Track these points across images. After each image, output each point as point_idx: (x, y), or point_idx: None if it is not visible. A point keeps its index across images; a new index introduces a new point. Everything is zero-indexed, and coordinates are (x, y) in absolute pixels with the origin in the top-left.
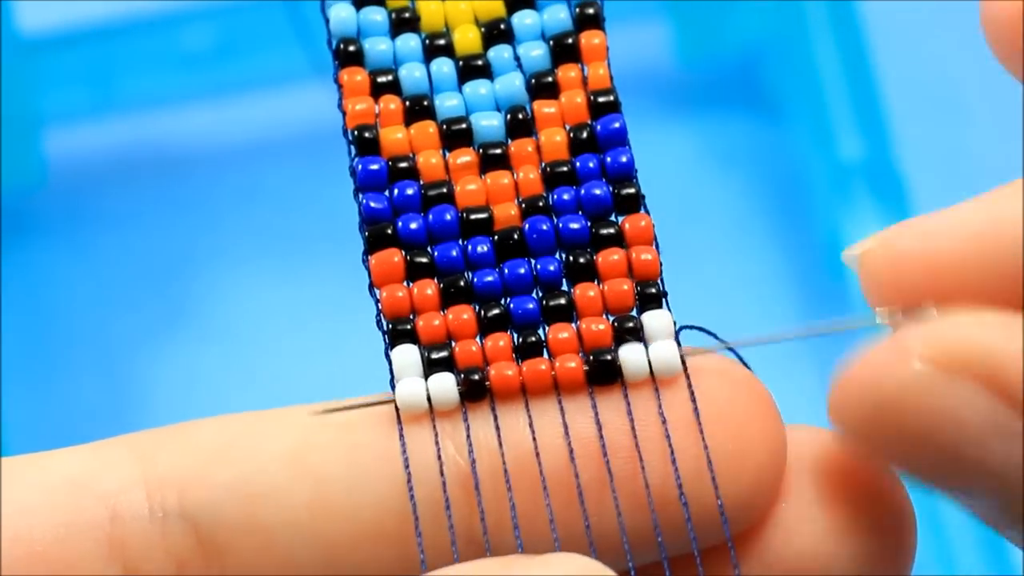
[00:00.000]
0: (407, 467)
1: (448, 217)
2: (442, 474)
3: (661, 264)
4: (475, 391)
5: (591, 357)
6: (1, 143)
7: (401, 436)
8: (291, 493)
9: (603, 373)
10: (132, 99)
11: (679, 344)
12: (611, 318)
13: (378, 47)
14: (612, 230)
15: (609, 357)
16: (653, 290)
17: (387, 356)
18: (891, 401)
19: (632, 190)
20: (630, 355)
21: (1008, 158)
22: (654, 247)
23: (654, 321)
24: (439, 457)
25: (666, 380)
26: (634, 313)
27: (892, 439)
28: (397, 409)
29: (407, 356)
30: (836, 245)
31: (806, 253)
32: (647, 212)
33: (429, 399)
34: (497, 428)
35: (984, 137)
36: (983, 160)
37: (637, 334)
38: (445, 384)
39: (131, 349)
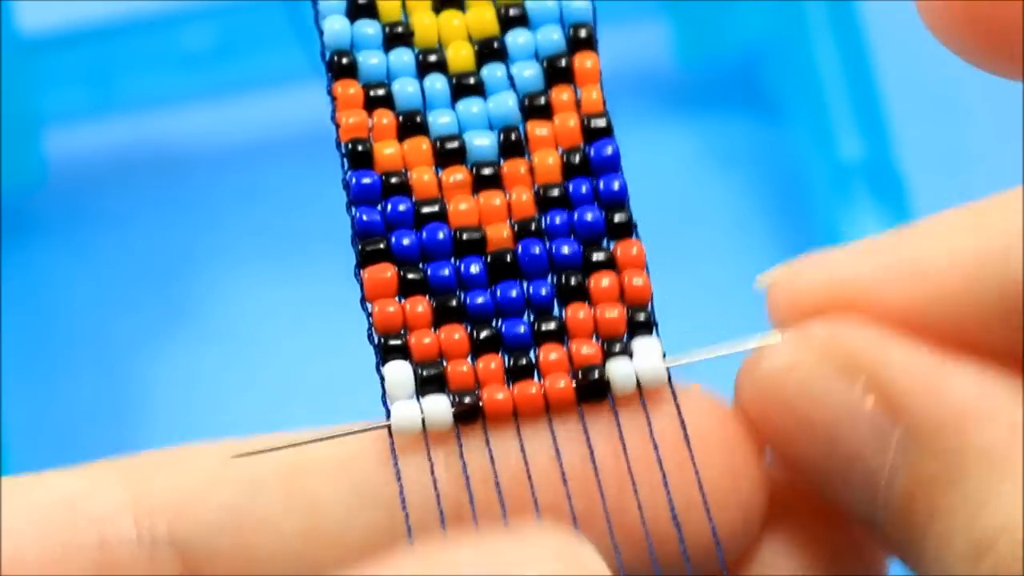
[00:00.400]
0: (401, 494)
1: (440, 236)
2: (436, 489)
3: (652, 293)
4: (468, 414)
5: (580, 375)
6: (1, 143)
7: (395, 461)
8: (284, 521)
9: (592, 390)
10: (132, 99)
11: (670, 376)
12: (601, 341)
13: (371, 60)
14: (604, 255)
15: (597, 374)
16: (642, 316)
17: (378, 371)
18: (778, 383)
19: (624, 217)
20: (617, 368)
21: (1008, 158)
22: (645, 273)
23: (643, 347)
24: (433, 477)
25: (655, 413)
26: (624, 339)
27: (781, 422)
28: (391, 434)
29: (399, 373)
30: (836, 245)
31: (806, 253)
32: (639, 239)
33: (423, 422)
34: (491, 456)
35: (984, 137)
36: (983, 160)
37: (626, 356)
38: (440, 407)
39: (131, 349)
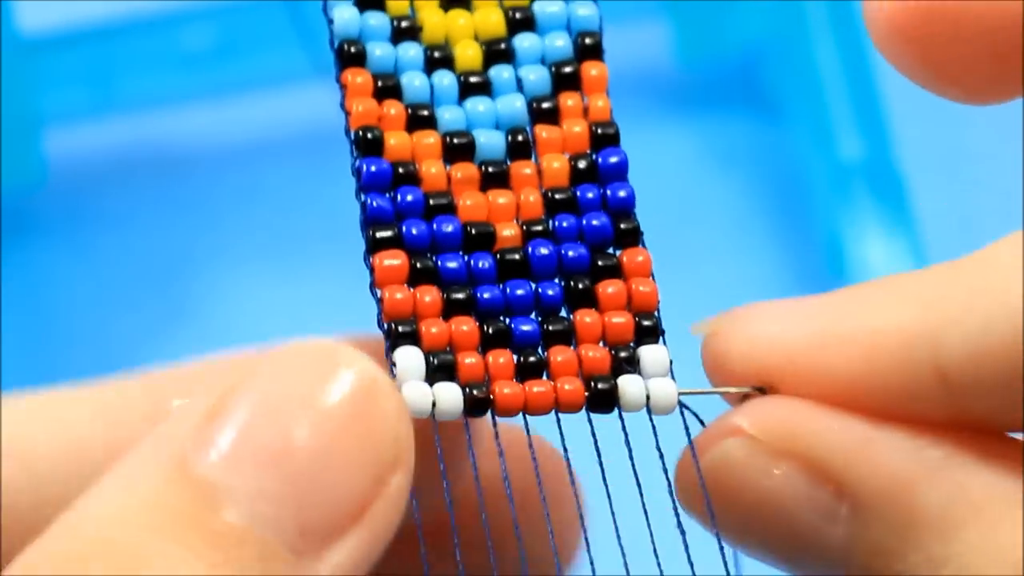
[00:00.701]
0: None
1: (450, 229)
2: (445, 481)
3: (659, 301)
4: (479, 406)
5: (591, 384)
6: (1, 143)
7: None
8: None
9: (602, 401)
10: (132, 99)
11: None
12: (608, 347)
13: (379, 52)
14: (611, 262)
15: (608, 386)
16: (649, 323)
17: (388, 357)
18: (716, 478)
19: (631, 225)
20: (629, 386)
21: (1008, 158)
22: (652, 281)
23: (650, 355)
24: (442, 467)
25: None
26: (632, 345)
27: (725, 513)
28: None
29: (410, 358)
30: (836, 245)
31: (806, 253)
32: (645, 247)
33: (434, 406)
34: (500, 450)
35: (984, 137)
36: (983, 160)
37: (634, 364)
38: (451, 394)
39: (131, 349)
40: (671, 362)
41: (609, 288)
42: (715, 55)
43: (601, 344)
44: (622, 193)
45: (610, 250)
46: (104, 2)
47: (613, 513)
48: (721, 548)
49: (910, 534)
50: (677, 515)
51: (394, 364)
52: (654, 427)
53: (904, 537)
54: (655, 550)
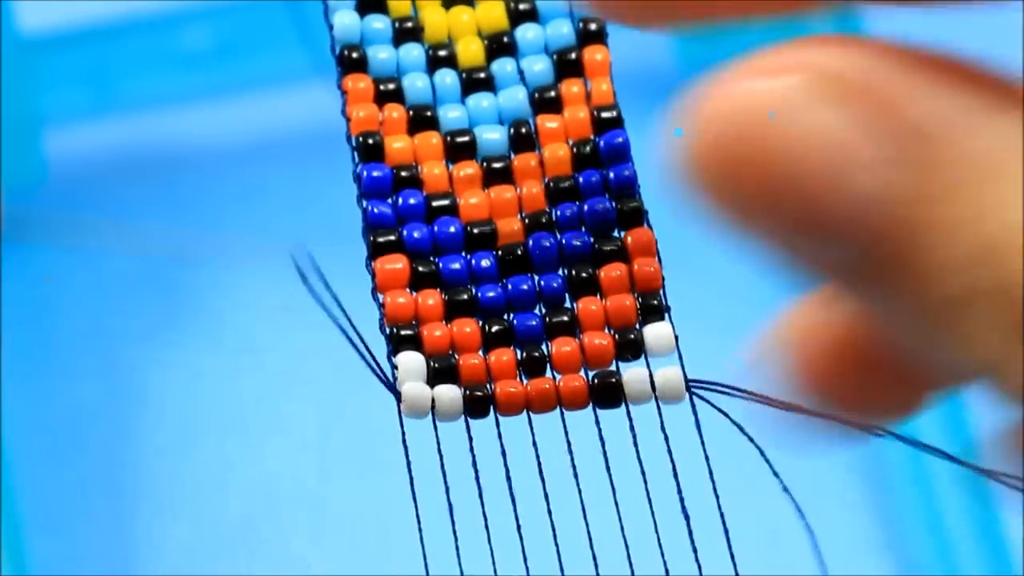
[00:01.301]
0: (410, 471)
1: (452, 230)
2: (445, 482)
3: (664, 278)
4: (480, 407)
5: (595, 380)
6: (1, 143)
7: (404, 438)
8: None
9: (607, 395)
10: (132, 99)
11: (683, 363)
12: (613, 331)
13: (381, 55)
14: (615, 246)
15: (614, 380)
16: (655, 302)
17: (389, 361)
18: (751, 123)
19: (635, 205)
20: (634, 379)
21: None
22: (656, 260)
23: (655, 333)
24: (442, 468)
25: None
26: (637, 327)
27: (758, 167)
28: (399, 410)
29: (412, 362)
30: None
31: None
32: (650, 226)
33: (433, 406)
34: (503, 450)
35: None
36: None
37: (638, 347)
38: (451, 393)
39: (131, 349)
40: (676, 338)
41: (613, 272)
42: (715, 55)
43: (606, 330)
44: (626, 173)
45: (615, 232)
46: (104, 2)
47: (618, 508)
48: (729, 546)
49: (961, 180)
50: (683, 511)
51: (395, 367)
52: (662, 421)
53: (953, 182)
54: (660, 548)
